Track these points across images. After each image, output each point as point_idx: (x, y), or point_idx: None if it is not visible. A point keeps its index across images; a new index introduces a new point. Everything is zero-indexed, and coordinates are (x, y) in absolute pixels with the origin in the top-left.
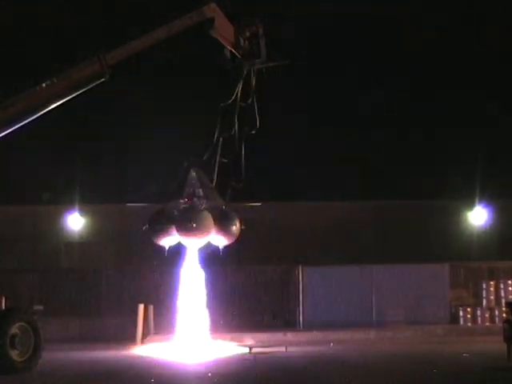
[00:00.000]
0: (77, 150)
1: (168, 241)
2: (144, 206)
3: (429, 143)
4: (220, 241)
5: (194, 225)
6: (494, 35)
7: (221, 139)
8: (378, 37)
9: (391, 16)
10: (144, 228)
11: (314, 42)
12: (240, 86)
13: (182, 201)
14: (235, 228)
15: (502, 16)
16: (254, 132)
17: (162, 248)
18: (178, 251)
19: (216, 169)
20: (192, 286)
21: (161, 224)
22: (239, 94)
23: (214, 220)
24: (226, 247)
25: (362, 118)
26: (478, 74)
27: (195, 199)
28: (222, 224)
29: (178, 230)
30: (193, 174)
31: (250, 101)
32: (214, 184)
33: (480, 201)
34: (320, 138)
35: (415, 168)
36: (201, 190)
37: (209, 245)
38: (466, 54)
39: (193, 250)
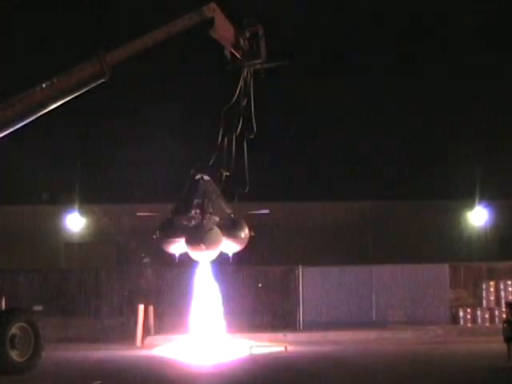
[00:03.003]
0: (77, 150)
1: (178, 250)
2: (144, 207)
3: (429, 143)
4: (229, 249)
5: (204, 246)
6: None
7: (225, 142)
8: (379, 35)
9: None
10: (155, 236)
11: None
12: (242, 86)
13: (191, 212)
14: (244, 235)
15: None
16: (252, 136)
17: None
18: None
19: (220, 175)
20: (201, 288)
21: (171, 235)
22: (241, 96)
23: (223, 229)
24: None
25: (361, 117)
26: (478, 74)
27: (204, 216)
28: (231, 233)
29: (188, 248)
30: (201, 183)
31: (245, 102)
32: (219, 190)
33: (480, 201)
34: (319, 138)
35: (415, 168)
36: (209, 203)
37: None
38: (468, 55)
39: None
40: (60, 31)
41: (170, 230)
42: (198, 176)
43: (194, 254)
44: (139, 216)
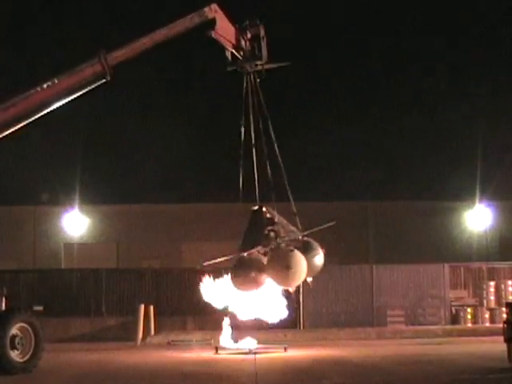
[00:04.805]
0: (77, 150)
1: (257, 285)
2: (144, 207)
3: (429, 144)
4: (309, 274)
5: (292, 269)
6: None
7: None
8: (380, 37)
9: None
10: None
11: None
12: (245, 88)
13: (261, 246)
14: (320, 259)
15: None
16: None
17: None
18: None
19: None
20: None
21: (248, 274)
22: (246, 98)
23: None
24: None
25: (362, 118)
26: (478, 74)
27: (278, 240)
28: (310, 256)
29: (272, 277)
30: (265, 215)
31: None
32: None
33: (480, 201)
34: (319, 138)
35: (415, 168)
36: (278, 229)
37: None
38: (468, 55)
39: None
40: (61, 32)
41: (245, 266)
42: (257, 207)
43: (280, 280)
44: (206, 265)
